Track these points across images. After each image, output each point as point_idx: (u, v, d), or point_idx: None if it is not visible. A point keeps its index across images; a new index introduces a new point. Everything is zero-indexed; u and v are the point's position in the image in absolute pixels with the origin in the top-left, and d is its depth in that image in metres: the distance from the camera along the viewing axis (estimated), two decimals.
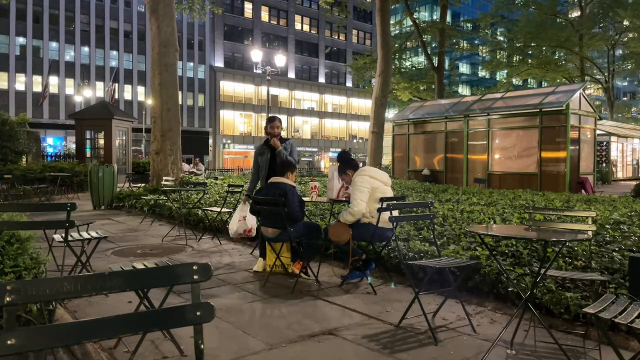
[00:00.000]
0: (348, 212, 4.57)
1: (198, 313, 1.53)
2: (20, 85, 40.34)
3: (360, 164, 5.44)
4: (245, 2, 51.90)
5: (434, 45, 31.73)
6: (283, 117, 54.64)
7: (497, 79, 52.40)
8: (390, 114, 36.39)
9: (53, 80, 40.31)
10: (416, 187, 12.16)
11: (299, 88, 56.41)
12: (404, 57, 35.44)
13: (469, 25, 39.90)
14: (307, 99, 57.89)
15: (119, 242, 6.94)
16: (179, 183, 11.44)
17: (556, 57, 35.38)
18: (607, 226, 5.36)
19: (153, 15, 12.34)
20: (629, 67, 37.60)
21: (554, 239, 3.32)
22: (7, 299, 1.31)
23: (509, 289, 3.84)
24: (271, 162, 5.29)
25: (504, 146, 16.10)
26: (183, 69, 46.46)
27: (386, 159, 22.30)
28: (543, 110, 14.84)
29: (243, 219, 5.43)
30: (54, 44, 41.74)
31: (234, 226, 5.51)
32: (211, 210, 7.59)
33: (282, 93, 54.84)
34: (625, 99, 71.48)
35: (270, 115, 5.55)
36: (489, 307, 3.94)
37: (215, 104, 50.17)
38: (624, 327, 2.96)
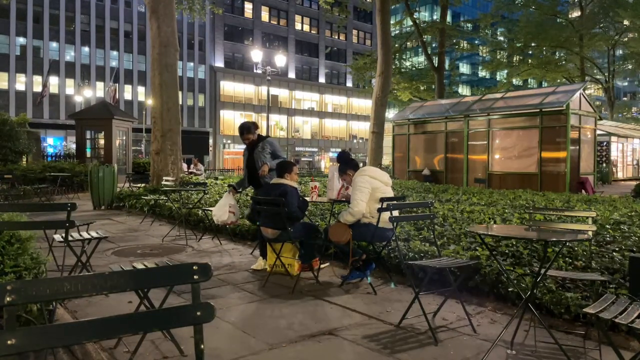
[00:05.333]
0: (348, 212, 4.57)
1: (198, 313, 1.53)
2: (20, 85, 40.34)
3: (360, 164, 5.44)
4: (245, 2, 51.91)
5: (434, 45, 31.73)
6: (283, 117, 54.72)
7: (497, 79, 52.43)
8: (390, 114, 36.37)
9: (53, 80, 40.27)
10: (416, 187, 12.16)
11: (299, 88, 56.41)
12: (404, 57, 35.44)
13: (469, 25, 39.89)
14: (307, 99, 57.90)
15: (119, 242, 6.94)
16: (179, 183, 11.43)
17: (556, 57, 35.38)
18: (607, 226, 5.36)
19: (153, 16, 12.35)
20: (629, 67, 37.63)
21: (554, 239, 3.32)
22: (8, 299, 1.31)
23: (509, 289, 3.83)
24: (248, 162, 5.56)
25: (504, 146, 16.10)
26: (183, 69, 46.45)
27: (386, 159, 22.30)
28: (543, 110, 14.84)
29: (232, 212, 5.52)
30: (54, 44, 41.73)
31: (222, 215, 5.52)
32: (211, 211, 7.57)
33: (282, 93, 54.84)
34: (625, 99, 71.48)
35: (241, 123, 5.70)
36: (489, 307, 3.94)
37: (216, 104, 50.18)
38: (624, 327, 2.96)
